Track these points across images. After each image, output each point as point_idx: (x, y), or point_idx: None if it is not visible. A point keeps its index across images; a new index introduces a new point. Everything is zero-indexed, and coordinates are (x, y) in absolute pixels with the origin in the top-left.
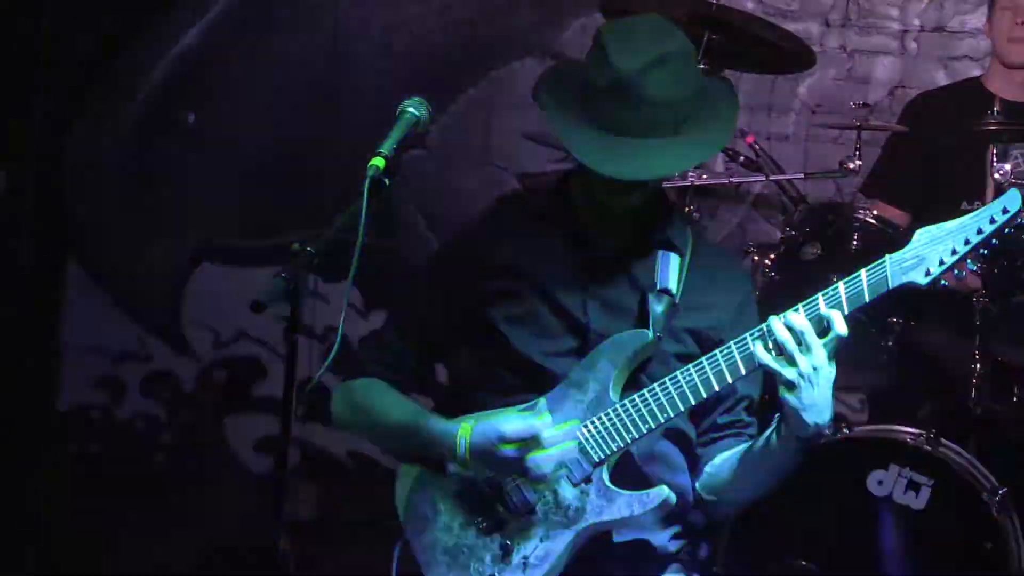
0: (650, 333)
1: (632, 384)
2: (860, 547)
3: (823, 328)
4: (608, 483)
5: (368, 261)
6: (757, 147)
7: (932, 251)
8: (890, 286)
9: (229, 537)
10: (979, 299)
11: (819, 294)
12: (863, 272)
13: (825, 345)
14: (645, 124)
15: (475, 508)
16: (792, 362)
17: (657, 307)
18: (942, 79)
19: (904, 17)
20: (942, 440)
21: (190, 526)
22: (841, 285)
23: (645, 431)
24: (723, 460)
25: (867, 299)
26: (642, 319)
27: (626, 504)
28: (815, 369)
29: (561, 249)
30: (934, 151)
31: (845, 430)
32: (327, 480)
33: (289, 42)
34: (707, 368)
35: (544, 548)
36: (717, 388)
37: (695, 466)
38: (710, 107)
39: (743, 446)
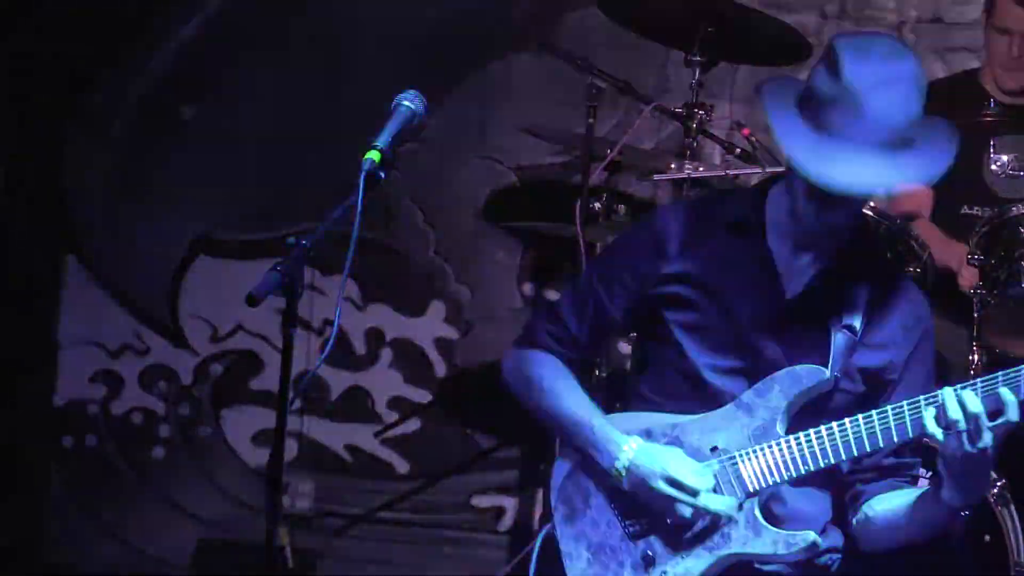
0: (828, 372)
1: (799, 416)
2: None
3: (996, 408)
4: (758, 515)
5: (365, 255)
6: (754, 139)
7: None
8: None
9: (227, 530)
10: (976, 291)
11: (999, 374)
12: None
13: (994, 428)
14: (866, 137)
15: (627, 511)
16: (959, 443)
17: (839, 343)
18: (940, 71)
19: (901, 8)
20: None
21: (188, 520)
22: None
23: (804, 471)
24: (881, 503)
25: None
26: (822, 354)
27: (772, 541)
28: (980, 451)
29: (749, 264)
30: None
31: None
32: (325, 474)
33: (287, 36)
34: (876, 423)
35: (684, 567)
36: (882, 445)
37: (845, 500)
38: (929, 137)
39: (905, 491)
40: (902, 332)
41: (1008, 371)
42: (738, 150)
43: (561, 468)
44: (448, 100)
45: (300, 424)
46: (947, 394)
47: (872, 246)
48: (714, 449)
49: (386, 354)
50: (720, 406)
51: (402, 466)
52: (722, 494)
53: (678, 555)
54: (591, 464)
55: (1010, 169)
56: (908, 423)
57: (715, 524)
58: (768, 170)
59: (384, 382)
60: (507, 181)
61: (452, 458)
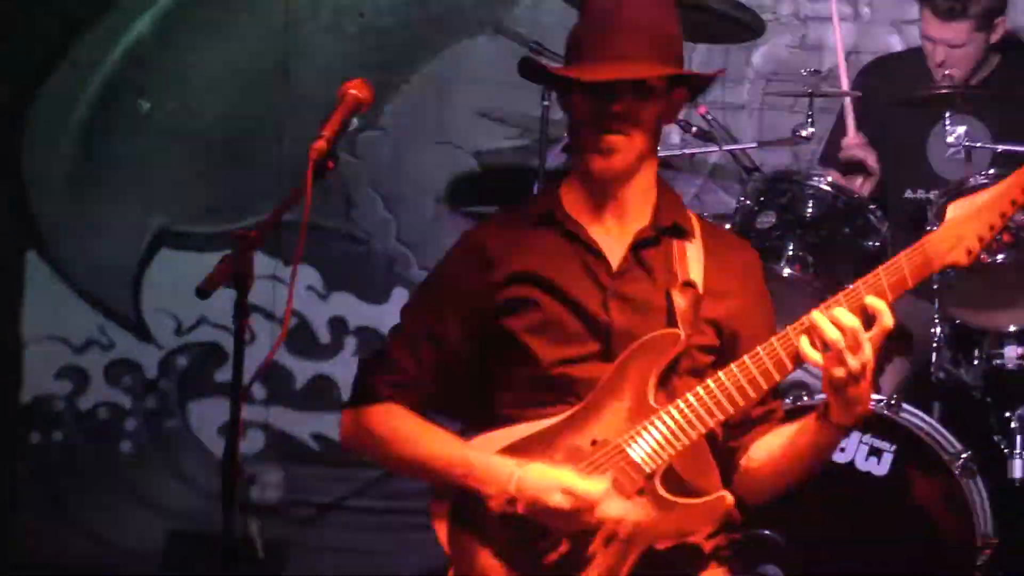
0: (681, 332)
1: (663, 383)
2: (822, 515)
3: (866, 319)
4: (664, 494)
5: (327, 244)
6: (710, 117)
7: (968, 228)
8: (934, 270)
9: (196, 522)
10: None
11: (859, 282)
12: (903, 257)
13: (871, 338)
14: (619, 49)
15: (530, 535)
16: (841, 361)
17: (681, 301)
18: (896, 44)
19: None
20: (904, 405)
21: (157, 512)
22: (881, 272)
23: (695, 436)
24: (760, 451)
25: (911, 285)
26: (668, 314)
27: (685, 513)
28: (863, 366)
29: (570, 251)
30: (881, 118)
31: (805, 397)
32: (293, 463)
33: (241, 27)
34: (752, 368)
35: (604, 567)
36: (765, 387)
37: (726, 461)
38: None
39: (780, 429)
40: (741, 279)
41: (866, 277)
42: (695, 128)
43: (441, 519)
44: (405, 87)
45: (266, 414)
46: (817, 317)
47: (677, 200)
48: (594, 443)
49: (350, 342)
50: (583, 398)
51: None
52: (620, 490)
53: (591, 559)
54: (474, 501)
55: (967, 139)
56: (784, 357)
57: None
58: (725, 148)
59: (349, 370)
60: (466, 166)
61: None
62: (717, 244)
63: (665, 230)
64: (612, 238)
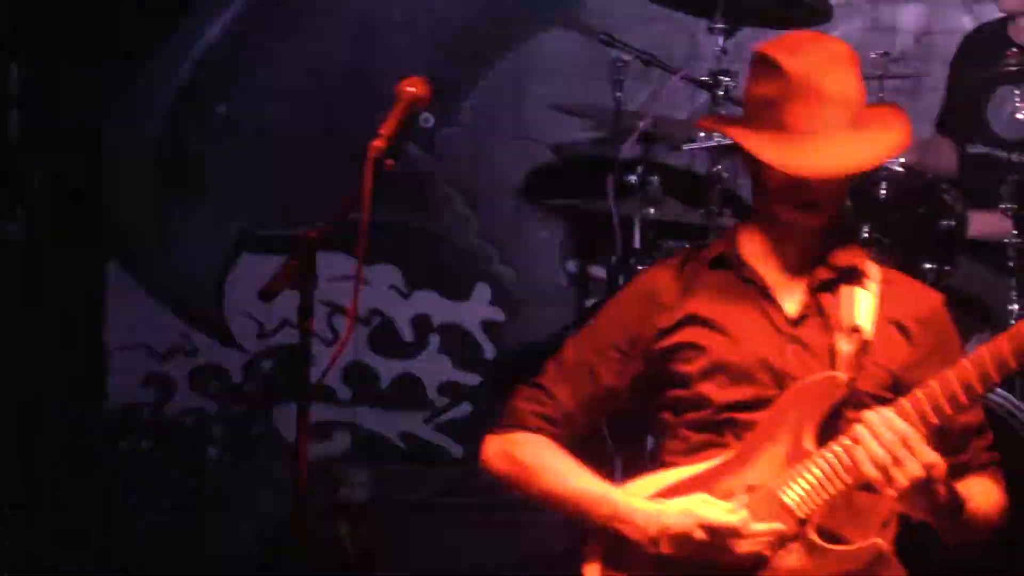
0: (840, 375)
1: (827, 429)
2: None
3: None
4: (816, 540)
5: (407, 242)
6: None
7: None
8: None
9: (286, 525)
10: (1011, 239)
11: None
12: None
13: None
14: (824, 121)
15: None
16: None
17: (846, 346)
18: (968, 23)
19: None
20: None
21: (246, 516)
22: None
23: (850, 482)
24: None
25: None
26: (832, 362)
27: (838, 561)
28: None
29: (743, 292)
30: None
31: None
32: (380, 463)
33: (315, 28)
34: (911, 411)
35: None
36: (923, 430)
37: None
38: (879, 117)
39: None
40: (918, 329)
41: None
42: None
43: (595, 564)
44: (480, 83)
45: (352, 414)
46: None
47: (854, 244)
48: (750, 488)
49: (434, 340)
50: (739, 444)
51: (456, 450)
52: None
53: None
54: (623, 543)
55: None
56: (944, 402)
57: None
58: None
59: (434, 368)
60: (543, 160)
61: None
62: (896, 291)
63: (841, 273)
64: (789, 282)
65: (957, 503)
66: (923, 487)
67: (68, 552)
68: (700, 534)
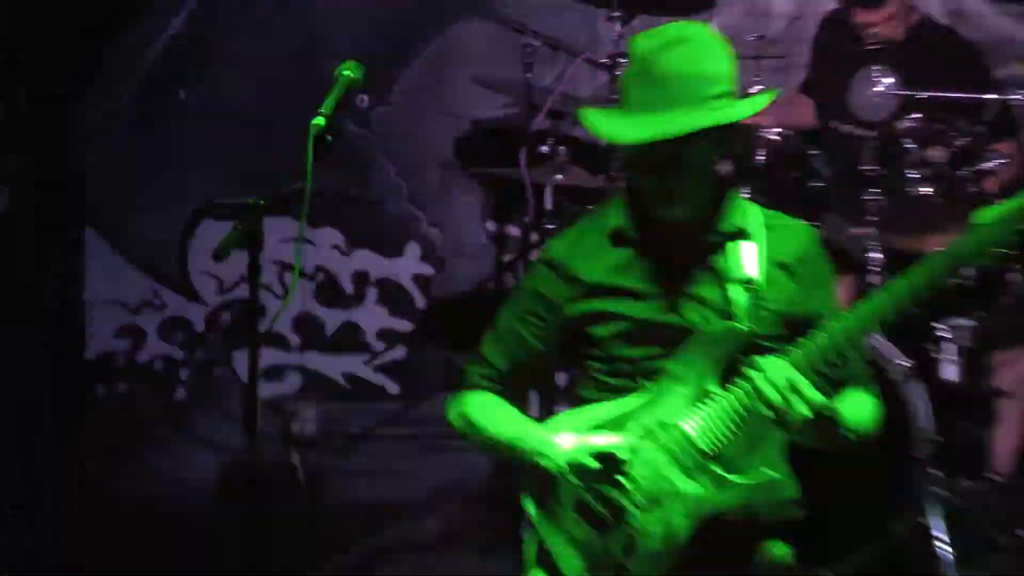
0: (738, 325)
1: (730, 373)
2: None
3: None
4: (720, 471)
5: (347, 207)
6: None
7: (995, 233)
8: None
9: (244, 455)
10: (869, 196)
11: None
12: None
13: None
14: (664, 98)
15: (597, 505)
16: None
17: (740, 297)
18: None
19: None
20: None
21: (209, 449)
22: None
23: (749, 420)
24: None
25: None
26: (729, 312)
27: (740, 492)
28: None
29: (643, 261)
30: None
31: None
32: (327, 401)
33: (263, 23)
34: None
35: (666, 537)
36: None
37: None
38: (740, 98)
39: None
40: (799, 266)
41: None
42: None
43: (529, 487)
44: (408, 66)
45: (301, 358)
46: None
47: (742, 202)
48: (660, 425)
49: (371, 292)
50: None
51: (393, 388)
52: (680, 465)
53: (657, 525)
54: (543, 473)
55: (886, 91)
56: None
57: (680, 493)
58: None
59: (372, 317)
60: (465, 133)
61: (436, 378)
62: (777, 234)
63: (728, 234)
64: (683, 244)
65: (839, 429)
66: (811, 425)
67: (56, 486)
68: (593, 462)
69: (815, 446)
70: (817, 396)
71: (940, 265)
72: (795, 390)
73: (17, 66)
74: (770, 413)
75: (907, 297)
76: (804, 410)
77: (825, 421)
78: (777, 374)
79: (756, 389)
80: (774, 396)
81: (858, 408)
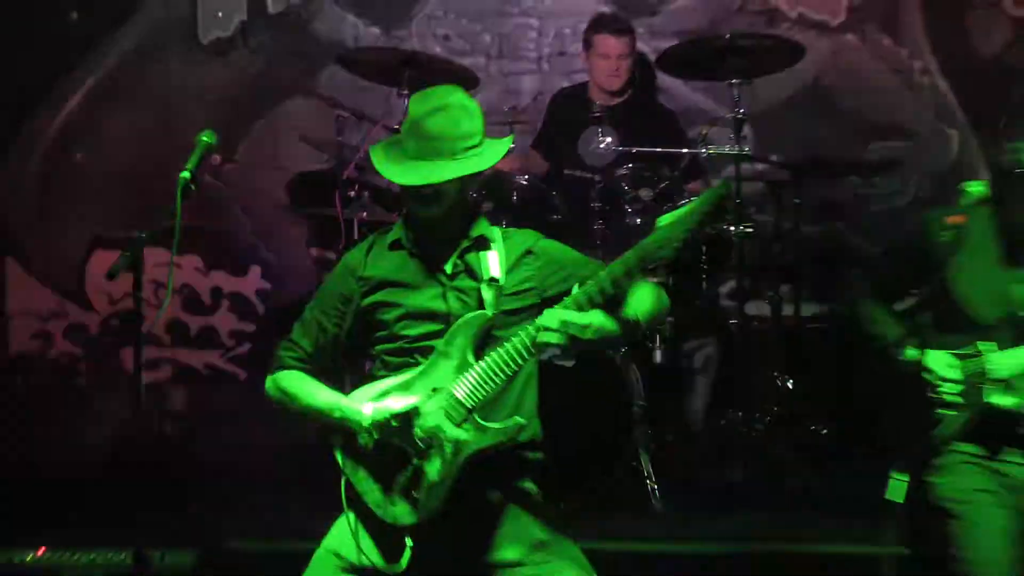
0: (486, 312)
1: (483, 348)
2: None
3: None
4: (481, 421)
5: (206, 238)
6: None
7: (675, 232)
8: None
9: (130, 429)
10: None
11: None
12: (630, 254)
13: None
14: (429, 150)
15: (391, 452)
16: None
17: (488, 292)
18: (563, 84)
19: (539, 48)
20: None
21: (104, 424)
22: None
23: (502, 380)
24: None
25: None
26: (480, 301)
27: (493, 435)
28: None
29: (416, 262)
30: (553, 128)
31: None
32: (192, 384)
33: (140, 99)
34: (527, 331)
35: (442, 471)
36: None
37: None
38: (485, 148)
39: None
40: (529, 260)
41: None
42: None
43: (337, 442)
44: (252, 130)
45: (172, 353)
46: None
47: (484, 221)
48: (434, 389)
49: (224, 302)
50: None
51: (242, 375)
52: (451, 418)
53: (435, 463)
54: (353, 435)
55: (608, 146)
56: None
57: (450, 438)
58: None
59: (225, 321)
60: (293, 181)
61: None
62: (510, 244)
63: (477, 242)
64: (443, 251)
65: (631, 323)
66: (601, 339)
67: None
68: (394, 422)
69: (627, 342)
70: (586, 318)
71: (636, 254)
72: (564, 323)
73: None
74: (560, 340)
75: (625, 267)
76: (589, 333)
77: (629, 324)
78: (550, 319)
79: (536, 335)
80: (552, 336)
81: (639, 298)
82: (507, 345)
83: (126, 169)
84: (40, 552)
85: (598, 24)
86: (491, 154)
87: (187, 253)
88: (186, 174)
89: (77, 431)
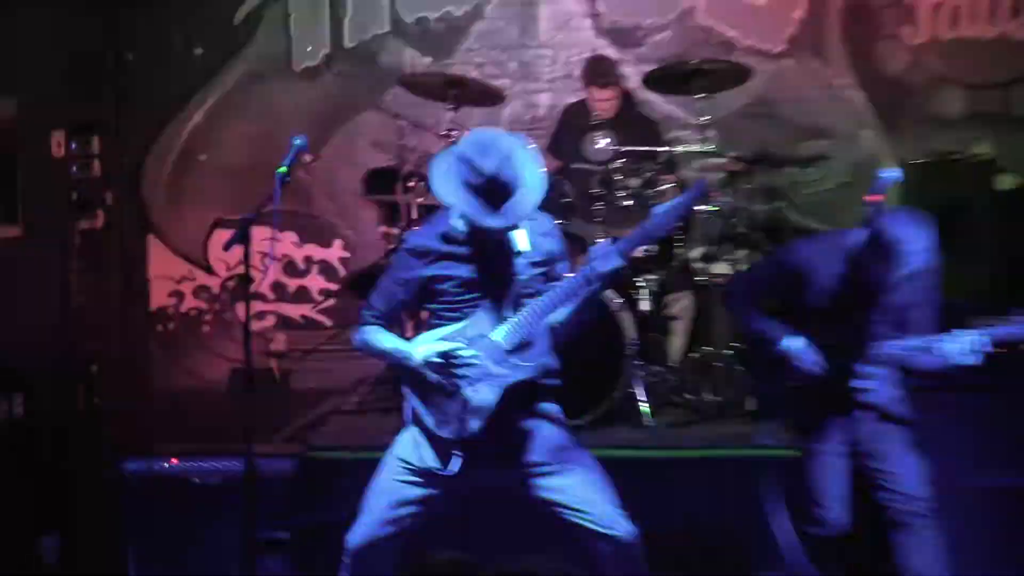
0: (519, 276)
1: (516, 306)
2: None
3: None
4: (516, 361)
5: (300, 219)
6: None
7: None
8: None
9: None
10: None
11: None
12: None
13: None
14: (503, 195)
15: (444, 384)
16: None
17: (519, 263)
18: (571, 99)
19: (552, 72)
20: None
21: (222, 362)
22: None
23: (531, 328)
24: None
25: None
26: (513, 276)
27: (524, 371)
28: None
29: (465, 249)
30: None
31: None
32: (290, 330)
33: (249, 114)
34: (554, 288)
35: (487, 399)
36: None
37: None
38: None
39: None
40: (546, 241)
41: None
42: None
43: (406, 377)
44: (335, 136)
45: (276, 307)
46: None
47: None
48: (481, 335)
49: (314, 268)
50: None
51: (328, 323)
52: (493, 359)
53: (480, 393)
54: (416, 372)
55: (605, 146)
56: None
57: (493, 372)
58: None
59: (315, 281)
60: (367, 174)
61: (353, 318)
62: (535, 223)
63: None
64: (488, 245)
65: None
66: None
67: None
68: (438, 358)
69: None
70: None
71: (640, 233)
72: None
73: None
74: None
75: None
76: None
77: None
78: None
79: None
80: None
81: None
82: (549, 293)
83: (238, 167)
84: (173, 461)
85: (589, 76)
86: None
87: (285, 230)
88: (283, 169)
89: (202, 368)
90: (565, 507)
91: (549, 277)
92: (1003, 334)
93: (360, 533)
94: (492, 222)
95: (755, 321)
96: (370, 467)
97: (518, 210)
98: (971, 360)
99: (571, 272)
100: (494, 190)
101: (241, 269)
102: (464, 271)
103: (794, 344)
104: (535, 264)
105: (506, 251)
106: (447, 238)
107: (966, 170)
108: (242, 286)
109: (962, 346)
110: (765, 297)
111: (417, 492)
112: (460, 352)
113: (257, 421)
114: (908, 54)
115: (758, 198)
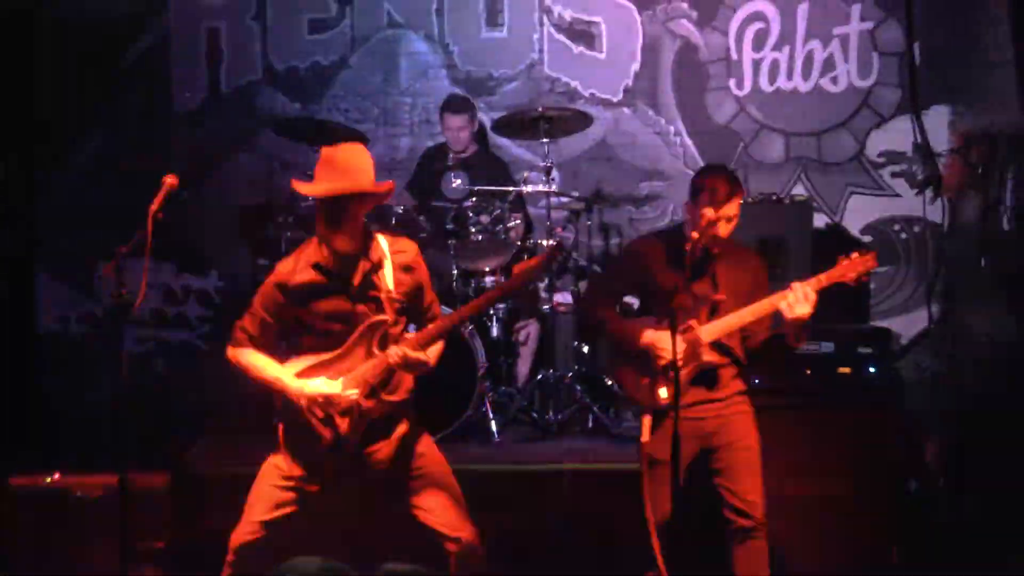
0: (384, 316)
1: (383, 342)
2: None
3: None
4: (381, 395)
5: (179, 249)
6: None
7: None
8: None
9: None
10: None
11: None
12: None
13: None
14: (336, 175)
15: (319, 418)
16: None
17: (385, 300)
18: (429, 144)
19: (411, 117)
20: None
21: (104, 384)
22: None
23: (389, 366)
24: None
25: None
26: (381, 308)
27: (387, 404)
28: None
29: (329, 275)
30: (424, 174)
31: None
32: (168, 356)
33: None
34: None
35: (351, 427)
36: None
37: None
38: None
39: None
40: (406, 274)
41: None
42: None
43: (279, 400)
44: (212, 175)
45: (154, 332)
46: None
47: (376, 238)
48: (348, 370)
49: (192, 296)
50: (339, 348)
51: (205, 347)
52: (361, 393)
53: (347, 424)
54: (293, 404)
55: (459, 185)
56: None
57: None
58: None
59: (192, 309)
60: (241, 209)
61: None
62: (396, 254)
63: (375, 264)
64: (351, 269)
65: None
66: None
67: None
68: (322, 401)
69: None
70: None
71: (497, 292)
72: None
73: None
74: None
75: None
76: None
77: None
78: (405, 346)
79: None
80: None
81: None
82: (394, 349)
83: (118, 200)
84: (56, 477)
85: (445, 106)
86: (379, 183)
87: (166, 260)
88: (155, 208)
89: (85, 388)
90: (422, 509)
91: (414, 309)
92: (826, 279)
93: (242, 532)
94: (314, 190)
95: (612, 323)
96: (245, 482)
97: (343, 185)
98: (806, 309)
99: (433, 298)
100: (331, 171)
101: (127, 298)
102: (329, 304)
103: (652, 336)
104: (396, 300)
105: (372, 288)
106: (314, 266)
107: (786, 209)
108: (123, 313)
109: (795, 295)
110: (618, 296)
111: (291, 496)
112: (344, 395)
113: (136, 439)
114: (734, 104)
115: (597, 234)
